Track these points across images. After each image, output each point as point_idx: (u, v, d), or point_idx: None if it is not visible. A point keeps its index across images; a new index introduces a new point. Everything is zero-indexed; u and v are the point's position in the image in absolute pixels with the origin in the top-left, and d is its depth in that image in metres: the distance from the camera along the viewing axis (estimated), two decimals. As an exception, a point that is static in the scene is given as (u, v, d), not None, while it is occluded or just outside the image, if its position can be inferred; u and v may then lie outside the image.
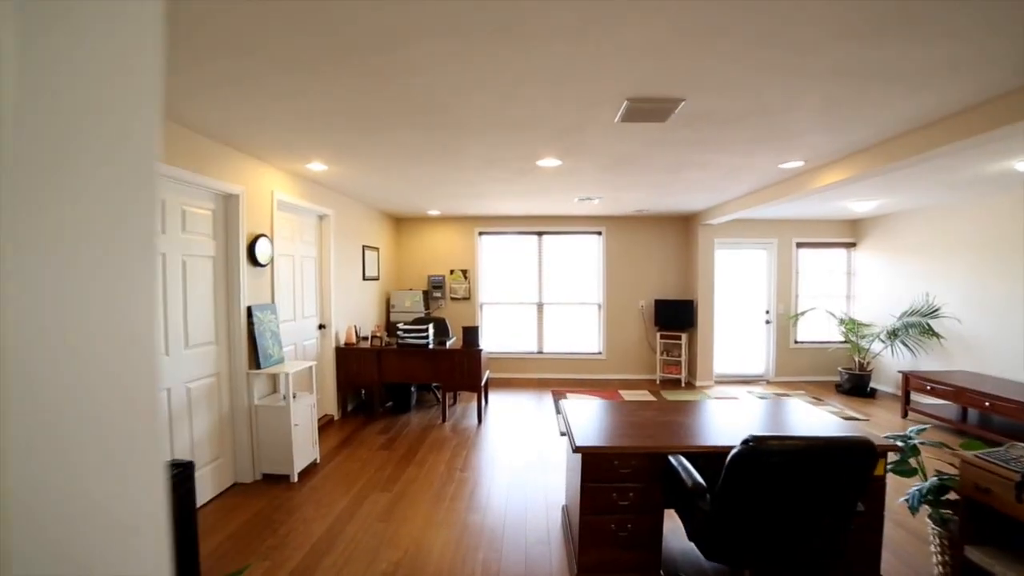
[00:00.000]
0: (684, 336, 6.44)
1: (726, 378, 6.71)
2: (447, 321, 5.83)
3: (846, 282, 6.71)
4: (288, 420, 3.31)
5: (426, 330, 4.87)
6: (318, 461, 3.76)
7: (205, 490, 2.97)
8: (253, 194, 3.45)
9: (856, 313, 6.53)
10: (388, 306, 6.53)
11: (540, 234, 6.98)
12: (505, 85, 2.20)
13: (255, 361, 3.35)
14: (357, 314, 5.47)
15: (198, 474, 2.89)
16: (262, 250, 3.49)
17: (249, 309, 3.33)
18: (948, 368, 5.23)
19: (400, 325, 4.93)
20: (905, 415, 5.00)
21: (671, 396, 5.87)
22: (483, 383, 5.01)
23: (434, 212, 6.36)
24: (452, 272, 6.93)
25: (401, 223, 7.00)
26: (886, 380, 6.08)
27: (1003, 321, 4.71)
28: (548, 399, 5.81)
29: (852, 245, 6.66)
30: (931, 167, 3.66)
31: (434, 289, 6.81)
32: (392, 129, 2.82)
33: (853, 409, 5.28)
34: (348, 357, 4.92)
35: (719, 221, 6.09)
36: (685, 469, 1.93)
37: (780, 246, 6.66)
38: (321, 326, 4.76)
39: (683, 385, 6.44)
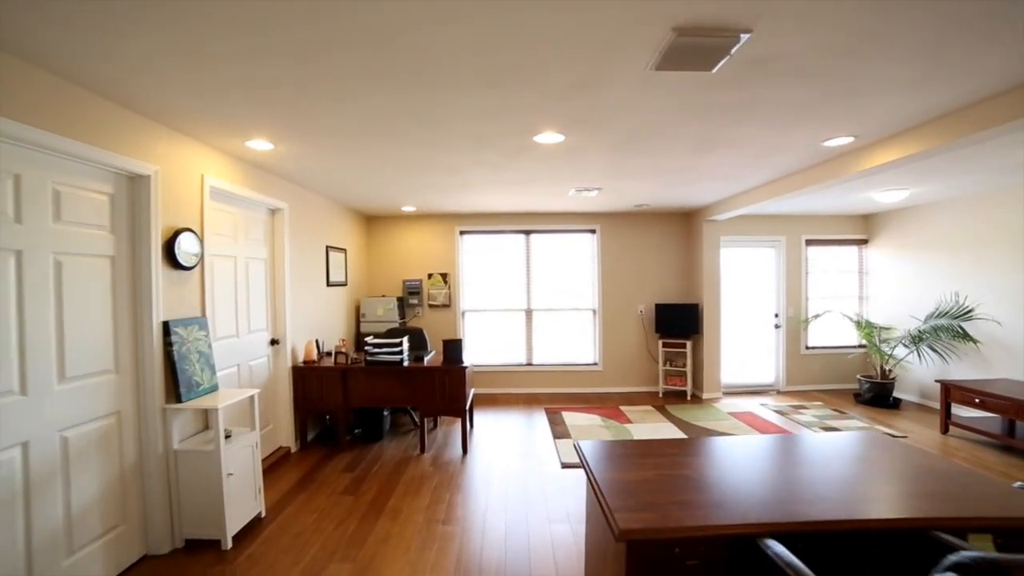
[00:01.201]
0: (689, 344, 5.85)
1: (733, 389, 6.15)
2: (425, 332, 5.09)
3: (858, 282, 6.24)
4: (219, 468, 2.53)
5: (399, 344, 4.13)
6: (263, 515, 2.98)
7: (94, 574, 2.17)
8: (173, 177, 2.68)
9: (870, 315, 6.06)
10: (358, 316, 5.75)
11: (528, 233, 6.32)
12: (498, 9, 1.52)
13: (175, 392, 2.57)
14: (320, 326, 4.69)
15: (82, 553, 2.10)
16: (186, 248, 2.71)
17: (166, 325, 2.55)
18: (985, 376, 4.76)
19: (369, 339, 4.18)
20: (946, 430, 4.48)
21: (679, 412, 5.25)
22: (468, 406, 4.29)
23: (409, 208, 5.63)
24: (430, 276, 6.19)
25: (372, 222, 6.23)
26: (909, 389, 5.60)
27: (1047, 323, 4.25)
28: (541, 418, 5.12)
29: (864, 242, 6.19)
30: (987, 148, 3.14)
31: (410, 295, 6.06)
32: (350, 81, 2.11)
33: (882, 423, 4.76)
34: (308, 377, 4.13)
35: (726, 216, 5.54)
36: (793, 567, 1.26)
37: (789, 244, 6.15)
38: (274, 341, 3.98)
39: (689, 398, 5.84)
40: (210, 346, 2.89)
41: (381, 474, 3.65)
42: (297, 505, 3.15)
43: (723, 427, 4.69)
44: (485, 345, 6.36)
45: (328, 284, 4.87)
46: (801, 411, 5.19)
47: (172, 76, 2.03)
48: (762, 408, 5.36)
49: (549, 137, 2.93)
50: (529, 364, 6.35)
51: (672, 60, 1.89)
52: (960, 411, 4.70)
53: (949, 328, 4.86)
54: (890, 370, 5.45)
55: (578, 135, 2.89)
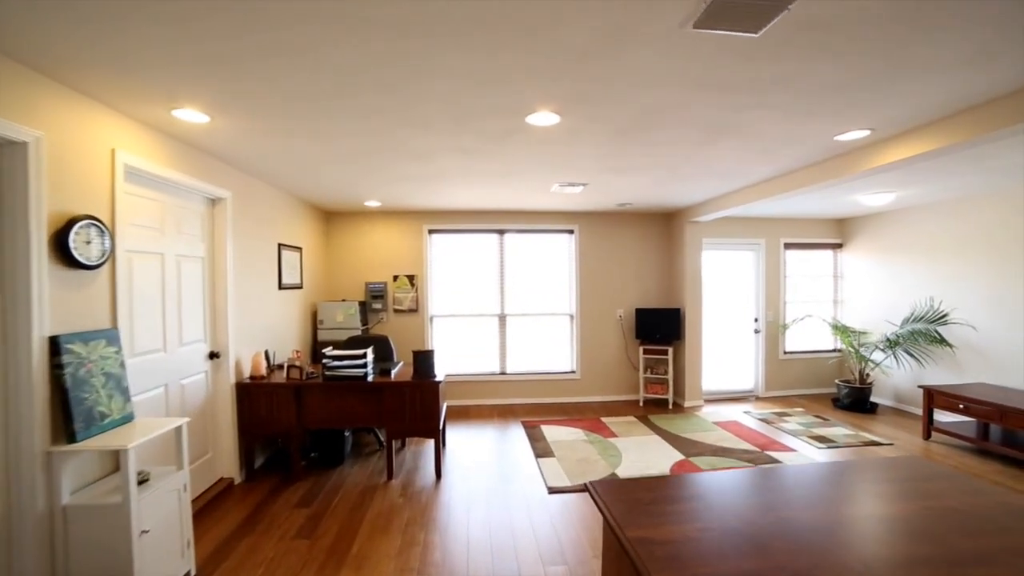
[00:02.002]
0: (671, 350, 5.61)
1: (713, 396, 5.98)
2: (391, 341, 4.58)
3: (833, 286, 6.23)
4: (128, 525, 1.96)
5: (363, 356, 3.61)
6: (193, 573, 2.41)
7: None
8: (68, 149, 2.09)
9: (845, 319, 6.05)
10: (315, 322, 5.15)
11: (502, 232, 5.91)
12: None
13: (66, 430, 1.97)
14: (271, 335, 4.08)
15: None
16: (85, 242, 2.12)
17: (55, 341, 1.96)
18: (960, 381, 4.77)
19: (327, 351, 3.63)
20: (928, 436, 4.43)
21: (662, 423, 4.99)
22: (442, 425, 3.83)
23: (374, 204, 5.09)
24: (396, 279, 5.66)
25: (332, 218, 5.63)
26: (885, 393, 5.60)
27: None
28: (518, 433, 4.71)
29: (839, 246, 6.20)
30: (988, 149, 3.03)
31: (373, 299, 5.50)
32: (306, 28, 1.63)
33: (866, 430, 4.67)
34: (255, 395, 3.54)
35: (710, 218, 5.35)
36: None
37: (768, 247, 6.05)
38: (213, 355, 3.36)
39: (670, 407, 5.61)
40: (123, 365, 2.30)
41: (342, 509, 3.13)
42: (239, 556, 2.59)
43: (711, 439, 4.45)
44: (455, 353, 5.89)
45: (281, 287, 4.26)
46: (785, 419, 5.05)
47: (58, 8, 1.48)
48: (746, 416, 5.18)
49: (543, 118, 2.53)
50: (503, 373, 5.93)
51: (717, 15, 1.54)
52: (939, 416, 4.69)
53: (925, 333, 4.85)
54: (868, 375, 5.42)
55: (577, 117, 2.52)
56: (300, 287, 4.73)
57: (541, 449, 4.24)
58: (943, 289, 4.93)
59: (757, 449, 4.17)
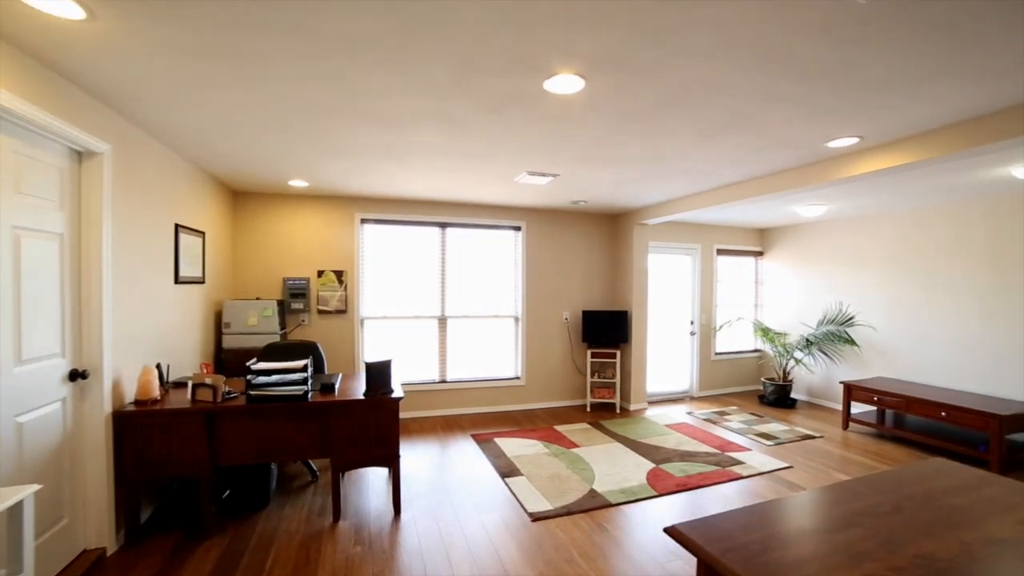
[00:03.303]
0: (618, 353, 5.54)
1: (653, 397, 6.04)
2: (320, 348, 3.81)
3: (754, 291, 6.70)
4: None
5: (302, 369, 2.86)
6: None
7: None
8: None
9: (765, 322, 6.53)
10: (218, 325, 4.12)
11: (444, 226, 5.36)
12: None
13: None
14: (164, 344, 3.08)
15: None
16: None
17: None
18: (863, 375, 5.34)
19: (253, 364, 2.82)
20: (846, 426, 4.86)
21: (616, 428, 4.85)
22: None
23: (299, 184, 4.22)
24: (321, 274, 4.80)
25: (242, 199, 4.59)
26: (799, 389, 6.12)
27: (916, 328, 4.88)
28: (471, 448, 4.22)
29: (760, 254, 6.69)
30: (929, 170, 3.32)
31: (293, 298, 4.59)
32: None
33: (798, 424, 5.00)
34: (145, 428, 2.60)
35: (658, 221, 5.38)
36: None
37: (703, 252, 6.30)
38: (77, 374, 2.38)
39: (618, 411, 5.52)
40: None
41: (282, 572, 2.38)
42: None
43: (670, 442, 4.40)
44: (376, 356, 5.17)
45: (177, 281, 3.26)
46: (726, 418, 5.23)
47: None
48: (690, 417, 5.28)
49: (563, 83, 2.13)
50: (443, 381, 5.37)
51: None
52: (852, 407, 5.20)
53: (836, 334, 5.37)
54: (789, 373, 5.88)
55: (604, 84, 2.15)
56: (202, 281, 3.71)
57: (505, 467, 3.80)
58: (849, 294, 5.51)
59: (717, 451, 4.19)
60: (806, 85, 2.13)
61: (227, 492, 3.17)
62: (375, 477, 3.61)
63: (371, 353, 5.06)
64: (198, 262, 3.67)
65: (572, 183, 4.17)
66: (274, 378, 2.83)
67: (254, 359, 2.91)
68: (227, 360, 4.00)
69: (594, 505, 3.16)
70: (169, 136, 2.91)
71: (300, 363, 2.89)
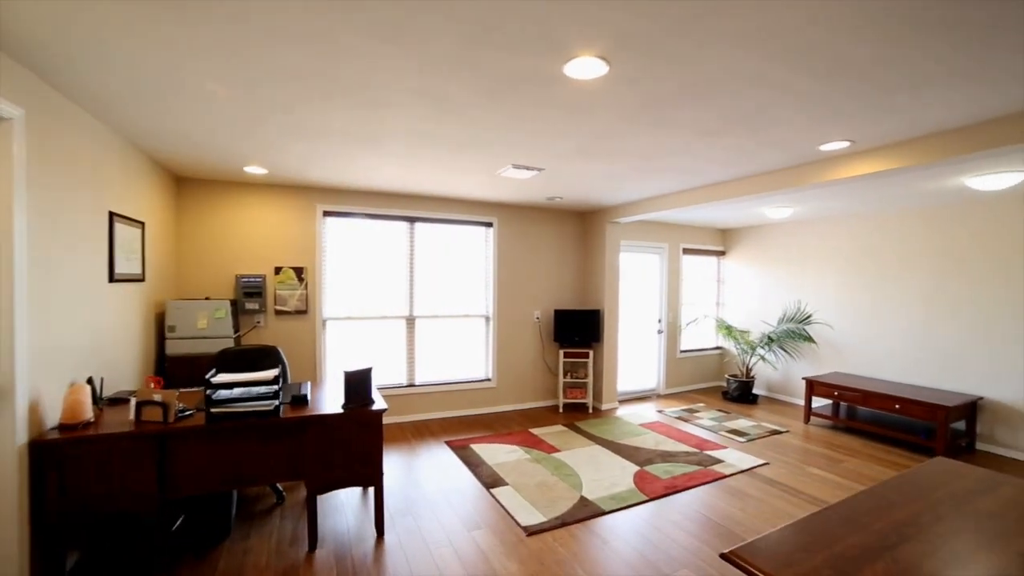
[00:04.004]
0: (591, 353, 5.49)
1: (622, 396, 6.06)
2: (281, 353, 3.43)
3: (716, 289, 6.90)
4: None
5: (274, 380, 2.52)
6: None
7: None
8: None
9: (727, 320, 6.74)
10: (161, 329, 3.60)
11: (412, 220, 5.05)
12: None
13: None
14: (99, 354, 2.60)
15: None
16: None
17: None
18: (819, 371, 5.63)
19: (214, 377, 2.44)
20: (808, 420, 5.09)
21: (592, 429, 4.80)
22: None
23: (256, 171, 3.77)
24: (279, 271, 4.35)
25: (189, 186, 4.04)
26: (759, 385, 6.37)
27: (868, 326, 5.20)
28: (446, 456, 3.99)
29: (722, 253, 6.89)
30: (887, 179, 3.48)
31: (248, 298, 4.12)
32: None
33: (760, 419, 5.17)
34: (76, 458, 2.16)
35: (631, 220, 5.38)
36: None
37: (670, 251, 6.39)
38: (-15, 395, 1.92)
39: (591, 411, 5.48)
40: None
41: (253, 618, 2.06)
42: None
43: (648, 443, 4.40)
44: (354, 362, 4.82)
45: (112, 279, 2.78)
46: (696, 415, 5.33)
47: None
48: (661, 415, 5.32)
49: (585, 67, 1.96)
50: (411, 385, 5.07)
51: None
52: (801, 401, 5.46)
53: (796, 331, 5.63)
54: (751, 369, 6.09)
55: (626, 70, 1.99)
56: (141, 279, 3.21)
57: (487, 476, 3.61)
58: (807, 294, 5.78)
59: (696, 450, 4.23)
60: (828, 84, 2.09)
61: (180, 520, 2.74)
62: (348, 493, 3.29)
63: (334, 357, 4.67)
64: (137, 257, 3.17)
65: (555, 178, 4.02)
66: (238, 392, 2.47)
67: (213, 370, 2.52)
68: (171, 369, 3.51)
69: (588, 514, 3.05)
70: (97, 104, 2.43)
71: (270, 373, 2.54)
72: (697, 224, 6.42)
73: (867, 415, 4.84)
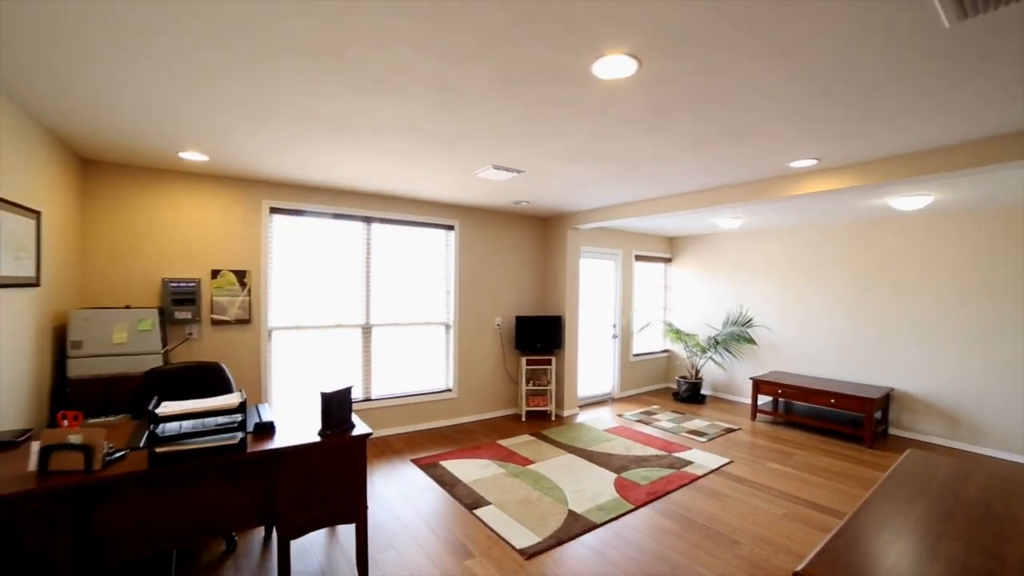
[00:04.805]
0: (553, 360, 5.42)
1: (581, 402, 6.06)
2: (227, 371, 2.95)
3: (663, 295, 7.17)
4: None
5: (238, 409, 2.09)
6: None
7: None
8: None
9: (675, 324, 7.02)
10: (61, 346, 2.92)
11: (369, 220, 4.66)
12: None
13: None
14: (-24, 382, 2.01)
15: None
16: None
17: None
18: (760, 371, 6.03)
19: (160, 408, 1.98)
20: (754, 417, 5.41)
21: (560, 437, 4.71)
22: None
23: (194, 157, 3.20)
24: (217, 275, 3.77)
25: (99, 171, 3.33)
26: (705, 385, 6.69)
27: (802, 327, 5.66)
28: (416, 476, 3.69)
29: (669, 260, 7.17)
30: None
31: (178, 306, 3.50)
32: None
33: (713, 419, 5.41)
34: (-42, 524, 1.62)
35: (593, 226, 5.40)
36: None
37: (624, 258, 6.52)
38: None
39: (553, 418, 5.40)
40: None
41: None
42: None
43: (618, 448, 4.40)
44: (304, 378, 4.32)
45: None
46: (655, 418, 5.45)
47: None
48: (622, 419, 5.38)
49: (613, 65, 1.85)
50: (368, 400, 4.66)
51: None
52: (745, 399, 5.82)
53: (739, 334, 5.99)
54: (699, 371, 6.39)
55: (655, 71, 1.91)
56: (35, 284, 2.57)
57: (467, 496, 3.37)
58: (748, 299, 6.19)
59: (664, 452, 4.29)
60: (824, 102, 2.16)
61: (100, 590, 2.20)
62: (315, 532, 2.88)
63: (281, 372, 4.14)
64: (29, 256, 2.54)
65: (532, 181, 3.89)
66: (191, 425, 2.03)
67: (154, 399, 2.05)
68: (76, 394, 2.86)
69: (581, 529, 2.93)
70: None
71: (231, 399, 2.12)
72: (647, 232, 6.63)
73: (805, 409, 5.25)
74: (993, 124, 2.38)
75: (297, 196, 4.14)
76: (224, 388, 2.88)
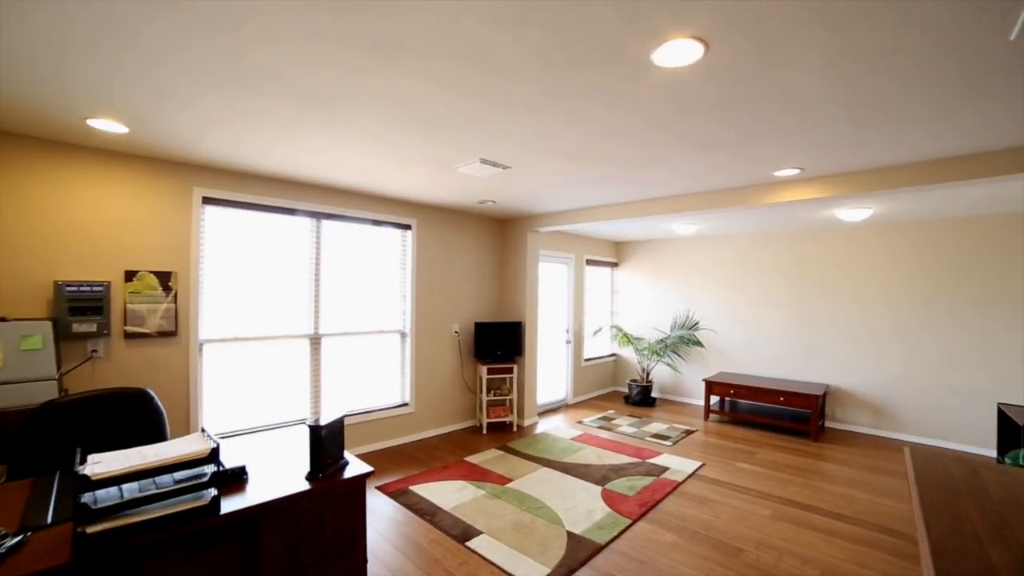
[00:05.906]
0: (515, 368, 5.19)
1: (539, 410, 5.90)
2: (157, 400, 2.33)
3: (610, 299, 7.26)
4: None
5: (210, 457, 1.59)
6: None
7: None
8: None
9: (624, 328, 7.13)
10: None
11: (318, 216, 4.09)
12: None
13: None
14: None
15: None
16: None
17: None
18: (707, 373, 6.32)
19: (90, 470, 1.42)
20: (707, 417, 5.63)
21: (528, 449, 4.50)
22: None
23: (109, 127, 2.49)
24: (132, 277, 3.00)
25: (-64, 135, 2.47)
26: (655, 388, 6.87)
27: (747, 330, 6.03)
28: (385, 505, 3.26)
29: (615, 265, 7.28)
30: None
31: (77, 316, 2.72)
32: None
33: (669, 421, 5.54)
34: None
35: (553, 229, 5.28)
36: None
37: (576, 262, 6.49)
38: None
39: (515, 429, 5.17)
40: None
41: None
42: None
43: (591, 458, 4.28)
44: (241, 398, 3.64)
45: None
46: (614, 423, 5.45)
47: None
48: (583, 427, 5.30)
49: (677, 51, 1.68)
50: (317, 421, 4.05)
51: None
52: (698, 401, 6.08)
53: (687, 337, 6.23)
54: (649, 374, 6.53)
55: (730, 52, 1.73)
56: None
57: (452, 526, 3.02)
58: (694, 303, 6.46)
59: (639, 460, 4.26)
60: (859, 116, 2.20)
61: None
62: None
63: (214, 394, 3.44)
64: None
65: (511, 179, 3.63)
66: (139, 488, 1.50)
67: (78, 453, 1.47)
68: (-74, 443, 2.07)
69: (587, 553, 2.74)
70: None
71: (196, 447, 1.61)
72: (597, 236, 6.67)
73: (752, 408, 5.57)
74: (988, 139, 2.58)
75: (235, 185, 3.48)
76: (154, 425, 2.26)
